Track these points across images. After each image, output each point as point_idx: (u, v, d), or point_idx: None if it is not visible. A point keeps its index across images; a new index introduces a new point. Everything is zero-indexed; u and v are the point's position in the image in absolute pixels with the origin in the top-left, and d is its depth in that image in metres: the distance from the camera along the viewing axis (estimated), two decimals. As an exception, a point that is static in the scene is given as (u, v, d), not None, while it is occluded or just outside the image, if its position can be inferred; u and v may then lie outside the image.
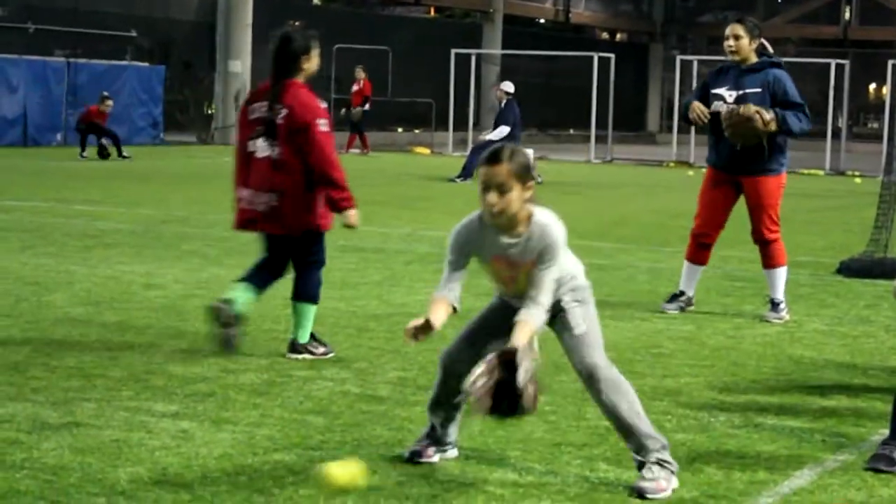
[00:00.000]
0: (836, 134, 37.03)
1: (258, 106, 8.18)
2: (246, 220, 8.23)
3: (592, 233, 16.46)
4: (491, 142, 26.05)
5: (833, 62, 37.03)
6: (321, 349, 8.29)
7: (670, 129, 42.31)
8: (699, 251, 10.53)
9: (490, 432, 6.47)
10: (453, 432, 6.03)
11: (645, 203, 21.96)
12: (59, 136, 34.15)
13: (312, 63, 8.21)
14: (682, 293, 10.55)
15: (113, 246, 13.42)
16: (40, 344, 8.33)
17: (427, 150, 38.43)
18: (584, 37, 60.34)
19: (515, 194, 5.41)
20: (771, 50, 10.39)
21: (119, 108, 32.51)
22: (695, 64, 39.22)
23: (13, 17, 35.78)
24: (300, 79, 8.18)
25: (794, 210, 18.45)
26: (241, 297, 8.03)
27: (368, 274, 12.07)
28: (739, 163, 10.15)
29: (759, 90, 10.07)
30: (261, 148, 8.11)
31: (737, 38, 10.12)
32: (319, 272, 8.30)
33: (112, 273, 11.50)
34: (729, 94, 10.16)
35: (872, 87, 60.74)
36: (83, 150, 29.10)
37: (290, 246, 8.21)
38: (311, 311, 8.24)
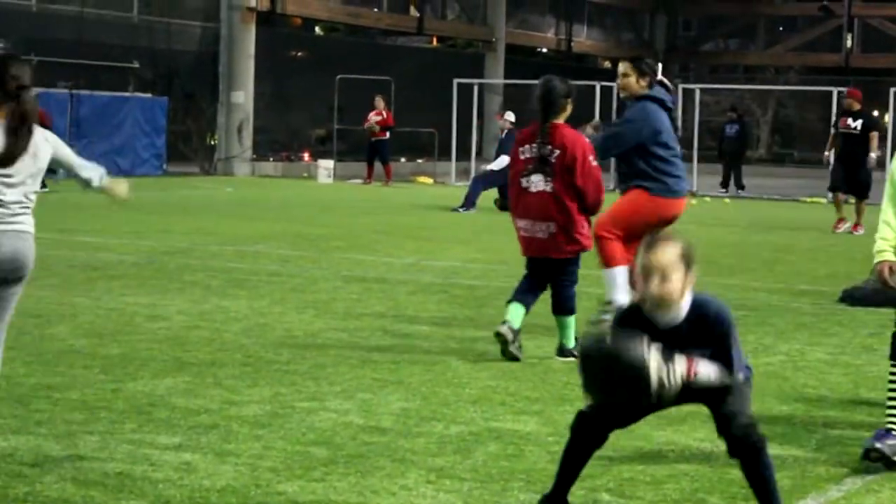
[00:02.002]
0: (839, 162, 36.96)
1: (528, 147, 9.42)
2: (533, 248, 9.48)
3: (594, 263, 16.43)
4: (493, 172, 26.08)
5: (835, 90, 37.05)
6: None
7: (673, 158, 42.17)
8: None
9: (493, 463, 6.47)
10: None
11: (648, 232, 21.94)
12: (61, 169, 34.11)
13: (571, 106, 9.50)
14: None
15: (116, 277, 13.42)
16: (43, 376, 8.33)
17: (430, 180, 38.44)
18: (586, 66, 60.34)
19: None
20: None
21: (122, 140, 32.38)
22: (697, 92, 39.30)
23: (16, 50, 35.86)
24: (561, 120, 9.43)
25: (796, 239, 18.34)
26: (515, 315, 9.32)
27: (371, 304, 12.06)
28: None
29: None
30: (535, 183, 9.40)
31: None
32: (574, 288, 9.52)
33: (115, 305, 11.50)
34: None
35: (874, 114, 60.78)
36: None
37: (554, 266, 9.44)
38: (571, 320, 9.45)
